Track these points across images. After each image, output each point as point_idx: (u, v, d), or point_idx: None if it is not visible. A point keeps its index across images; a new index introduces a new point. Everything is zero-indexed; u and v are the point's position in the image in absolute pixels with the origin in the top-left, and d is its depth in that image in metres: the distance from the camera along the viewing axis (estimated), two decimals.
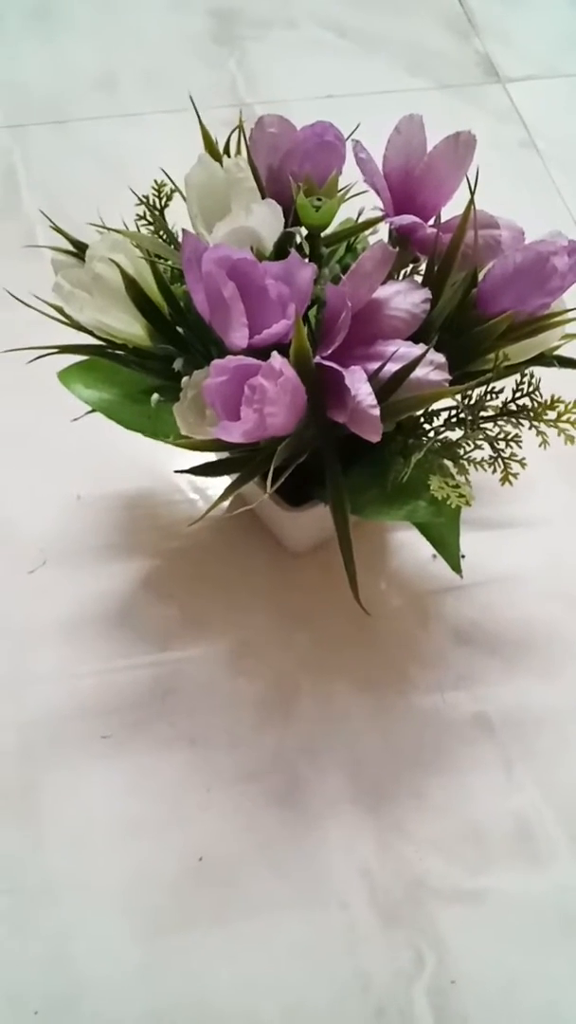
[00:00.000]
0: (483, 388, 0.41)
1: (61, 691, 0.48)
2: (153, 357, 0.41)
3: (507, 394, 0.42)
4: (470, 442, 0.41)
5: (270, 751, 0.47)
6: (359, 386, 0.35)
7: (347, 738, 0.48)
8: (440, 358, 0.37)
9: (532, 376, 0.42)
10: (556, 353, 0.42)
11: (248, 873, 0.44)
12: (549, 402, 0.41)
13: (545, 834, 0.46)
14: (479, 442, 0.41)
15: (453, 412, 0.42)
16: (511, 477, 0.41)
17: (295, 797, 0.46)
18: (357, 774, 0.47)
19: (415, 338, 0.38)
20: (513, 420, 0.41)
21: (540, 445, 0.41)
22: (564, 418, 0.40)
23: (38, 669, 0.49)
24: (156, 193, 0.45)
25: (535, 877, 0.45)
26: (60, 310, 0.40)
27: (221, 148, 0.42)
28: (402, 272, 0.43)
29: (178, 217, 0.43)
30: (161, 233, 0.45)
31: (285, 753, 0.47)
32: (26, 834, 0.45)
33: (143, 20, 0.79)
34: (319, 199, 0.40)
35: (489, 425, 0.42)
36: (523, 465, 0.41)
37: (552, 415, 0.40)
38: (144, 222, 0.45)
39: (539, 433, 0.41)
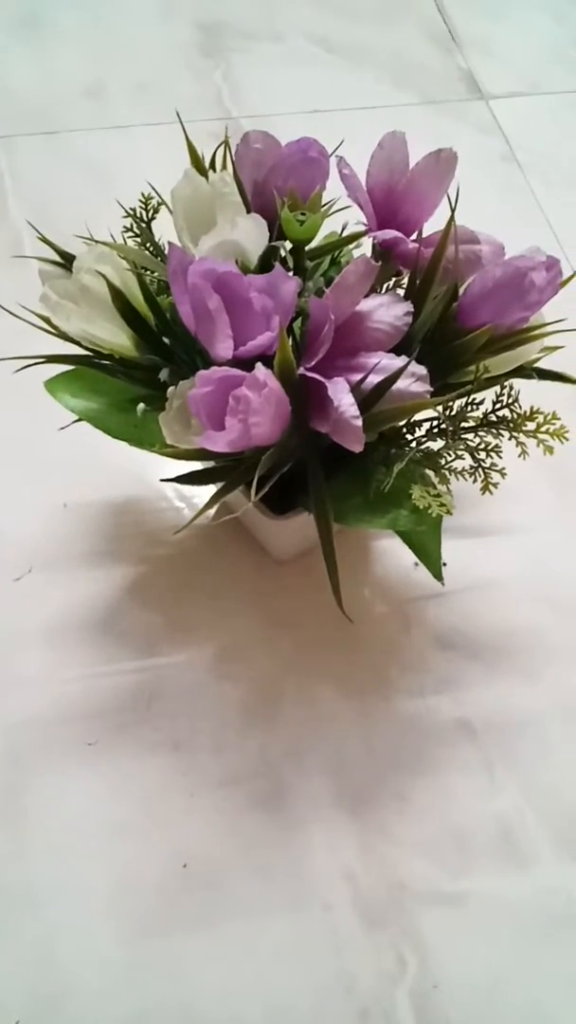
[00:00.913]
0: (464, 399, 0.42)
1: (46, 696, 0.49)
2: (139, 367, 0.41)
3: (487, 405, 0.43)
4: (451, 452, 0.42)
5: (254, 755, 0.48)
6: (342, 397, 0.36)
7: (331, 742, 0.49)
8: (421, 370, 0.38)
9: (511, 388, 0.43)
10: (535, 365, 0.43)
11: (232, 876, 0.45)
12: (528, 413, 0.41)
13: (527, 836, 0.47)
14: (460, 452, 0.42)
15: (434, 423, 0.43)
16: (491, 486, 0.42)
17: (279, 801, 0.47)
18: (340, 778, 0.48)
19: (397, 350, 0.39)
20: (493, 431, 0.42)
21: (520, 455, 0.42)
22: (543, 429, 0.41)
23: (23, 674, 0.49)
24: (143, 206, 0.45)
25: (517, 879, 0.46)
26: (47, 320, 0.41)
27: (207, 161, 0.43)
28: (385, 285, 0.44)
29: (164, 229, 0.44)
30: (148, 245, 0.45)
31: (269, 757, 0.48)
32: (10, 839, 0.45)
33: (131, 31, 0.80)
34: (303, 213, 0.40)
35: (470, 436, 0.42)
36: (503, 475, 0.42)
37: (531, 426, 0.41)
38: (131, 234, 0.46)
39: (518, 444, 0.42)
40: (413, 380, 0.38)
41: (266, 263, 0.40)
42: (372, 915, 0.44)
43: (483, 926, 0.45)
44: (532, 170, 0.73)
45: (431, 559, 0.45)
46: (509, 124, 0.76)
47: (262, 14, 0.82)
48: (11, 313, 0.42)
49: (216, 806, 0.46)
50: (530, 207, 0.71)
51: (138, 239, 0.45)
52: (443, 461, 0.42)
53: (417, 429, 0.43)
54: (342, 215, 0.43)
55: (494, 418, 0.42)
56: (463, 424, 0.42)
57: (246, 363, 0.36)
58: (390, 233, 0.41)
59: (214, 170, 0.43)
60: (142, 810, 0.46)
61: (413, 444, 0.43)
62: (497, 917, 0.45)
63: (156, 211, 0.45)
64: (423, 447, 0.42)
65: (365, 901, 0.45)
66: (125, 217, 0.46)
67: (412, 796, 0.47)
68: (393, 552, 0.54)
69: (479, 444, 0.42)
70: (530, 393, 0.43)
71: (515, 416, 0.42)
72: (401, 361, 0.38)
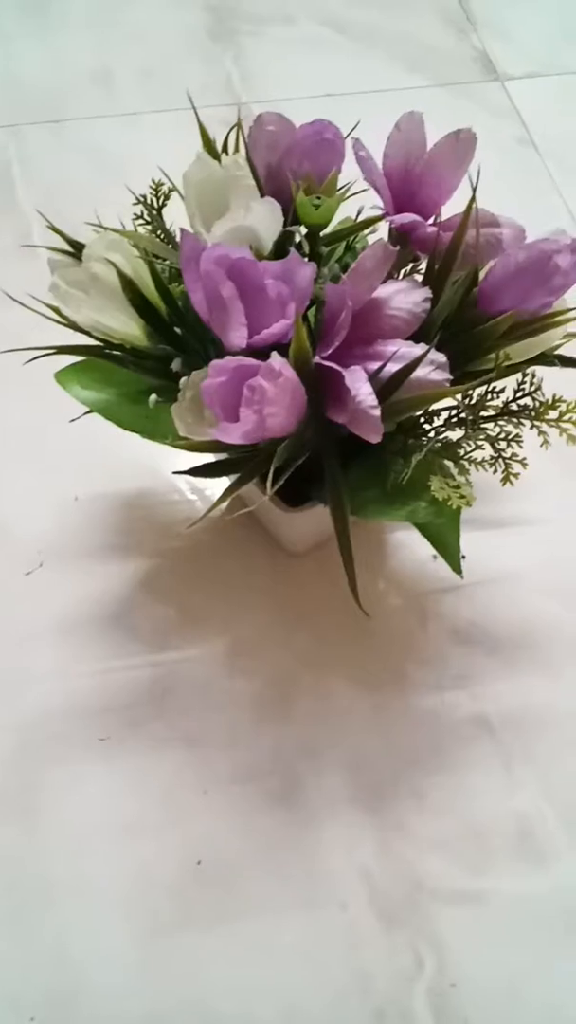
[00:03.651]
0: (484, 388, 0.41)
1: (59, 692, 0.48)
2: (151, 357, 0.41)
3: (508, 394, 0.42)
4: (471, 442, 0.41)
5: (268, 751, 0.47)
6: (359, 386, 0.35)
7: (346, 738, 0.48)
8: (441, 358, 0.37)
9: (533, 376, 0.42)
10: (558, 352, 0.42)
11: (246, 874, 0.44)
12: (551, 402, 0.41)
13: (546, 834, 0.46)
14: (480, 442, 0.41)
15: (454, 412, 0.42)
16: (512, 477, 0.41)
17: (294, 797, 0.46)
18: (356, 774, 0.47)
19: (415, 338, 0.38)
20: (514, 420, 0.41)
21: (541, 445, 0.41)
22: (565, 418, 0.40)
23: (36, 670, 0.49)
24: (154, 192, 0.44)
25: (536, 877, 0.45)
26: (57, 310, 0.40)
27: (219, 146, 0.42)
28: (402, 271, 0.43)
29: (176, 216, 0.43)
30: (159, 232, 0.44)
31: (283, 753, 0.47)
32: (24, 835, 0.45)
33: (139, 16, 0.78)
34: (318, 197, 0.39)
35: (490, 425, 0.41)
36: (524, 465, 0.41)
37: (553, 415, 0.40)
38: (142, 221, 0.45)
39: (540, 433, 0.41)
40: (432, 368, 0.37)
41: (281, 249, 0.39)
42: (389, 913, 0.44)
43: (502, 924, 0.44)
44: (549, 153, 0.72)
45: (450, 552, 0.44)
46: (526, 106, 0.75)
47: None
48: (20, 303, 0.41)
49: (230, 803, 0.46)
50: (547, 190, 0.70)
51: (149, 226, 0.45)
52: (462, 451, 0.41)
53: (436, 418, 0.43)
54: (357, 199, 0.42)
55: (515, 407, 0.41)
56: (483, 413, 0.41)
57: (261, 352, 0.35)
58: (408, 217, 0.40)
59: (227, 153, 0.42)
60: (156, 807, 0.46)
61: (432, 434, 0.42)
62: (516, 915, 0.44)
63: (167, 197, 0.45)
64: (442, 437, 0.41)
65: (382, 899, 0.44)
66: (135, 204, 0.45)
67: (429, 793, 0.47)
68: (410, 544, 0.53)
69: (499, 434, 0.41)
70: (552, 380, 0.42)
71: (537, 404, 0.41)
72: (420, 349, 0.37)
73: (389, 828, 0.46)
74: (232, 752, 0.47)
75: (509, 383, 0.42)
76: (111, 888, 0.44)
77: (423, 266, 0.42)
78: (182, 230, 0.37)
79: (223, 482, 0.42)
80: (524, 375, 0.42)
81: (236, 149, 0.42)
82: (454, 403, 0.42)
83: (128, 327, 0.40)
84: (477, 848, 0.46)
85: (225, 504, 0.39)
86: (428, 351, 0.36)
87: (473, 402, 0.41)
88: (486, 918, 0.44)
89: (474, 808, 0.46)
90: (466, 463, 0.40)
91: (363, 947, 0.43)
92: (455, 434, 0.42)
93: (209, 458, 0.41)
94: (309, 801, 0.46)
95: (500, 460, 0.41)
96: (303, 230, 0.41)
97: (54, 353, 0.42)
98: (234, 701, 0.49)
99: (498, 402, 0.42)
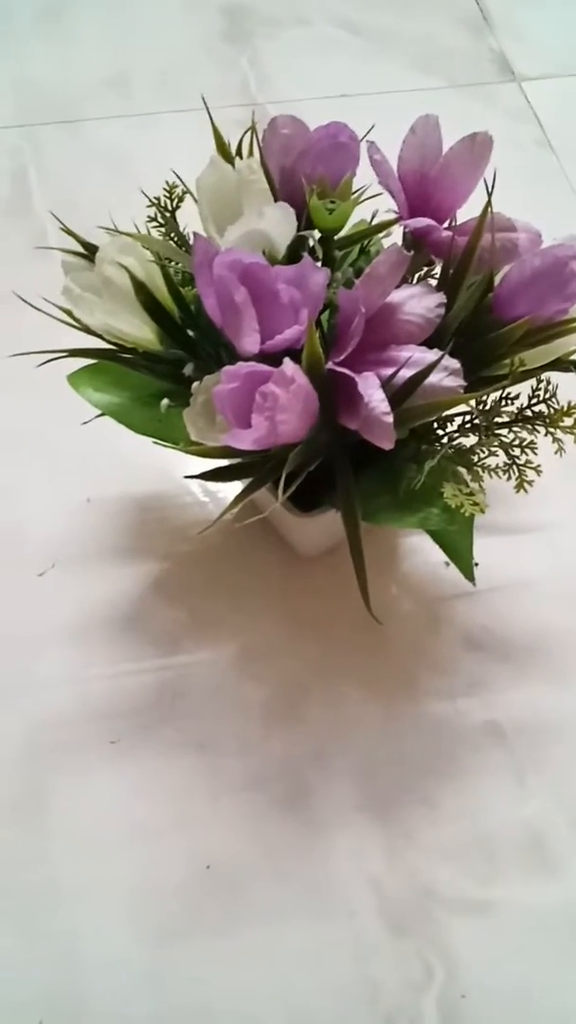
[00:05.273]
0: (498, 394, 0.41)
1: (69, 695, 0.48)
2: (163, 361, 0.41)
3: (523, 400, 0.41)
4: (484, 449, 0.40)
5: (278, 757, 0.47)
6: (372, 392, 0.35)
7: (356, 745, 0.48)
8: (455, 364, 0.37)
9: (548, 382, 0.41)
10: (573, 358, 0.42)
11: (255, 880, 0.44)
12: (566, 408, 0.40)
13: (557, 843, 0.46)
14: (494, 449, 0.41)
15: (467, 418, 0.42)
16: (526, 484, 0.40)
17: (303, 804, 0.46)
18: (366, 781, 0.47)
19: (429, 343, 0.38)
20: (529, 426, 0.41)
21: (556, 452, 0.40)
22: None
23: (46, 672, 0.49)
24: (167, 195, 0.44)
25: (547, 887, 0.45)
26: (70, 313, 0.40)
27: (233, 148, 0.42)
28: (416, 276, 0.43)
29: (189, 219, 0.43)
30: (172, 236, 0.44)
31: (293, 760, 0.47)
32: (33, 838, 0.45)
33: (154, 18, 0.78)
34: (332, 201, 0.39)
35: (504, 431, 0.41)
36: (538, 472, 0.41)
37: (568, 421, 0.40)
38: (155, 224, 0.45)
39: (555, 440, 0.40)
40: (446, 374, 0.37)
41: (294, 253, 0.39)
42: (398, 922, 0.44)
43: (512, 935, 0.44)
44: (567, 155, 0.71)
45: (462, 559, 0.44)
46: (543, 108, 0.74)
47: None
48: (33, 306, 0.41)
49: (240, 809, 0.46)
50: (565, 193, 0.69)
51: (162, 229, 0.45)
52: (476, 458, 0.40)
53: (449, 425, 0.42)
54: (372, 203, 0.42)
55: (530, 413, 0.41)
56: (497, 419, 0.41)
57: (273, 358, 0.35)
58: (422, 221, 0.39)
59: (241, 157, 0.41)
60: (165, 811, 0.46)
61: (445, 440, 0.41)
62: (527, 925, 0.44)
63: (181, 200, 0.44)
64: (455, 443, 0.41)
65: (391, 908, 0.44)
66: (149, 207, 0.45)
67: (440, 801, 0.46)
68: (422, 549, 0.53)
69: (514, 440, 0.41)
70: (567, 387, 0.42)
71: (552, 411, 0.40)
72: (434, 355, 0.37)
73: (399, 836, 0.45)
74: (242, 758, 0.47)
75: (524, 389, 0.41)
76: (119, 892, 0.44)
77: (437, 271, 0.42)
78: (195, 234, 0.37)
79: (235, 484, 0.42)
80: (539, 381, 0.41)
81: (250, 152, 0.42)
82: (468, 409, 0.41)
83: (141, 331, 0.40)
84: (487, 857, 0.45)
85: (237, 509, 0.39)
86: (442, 357, 0.36)
87: (487, 408, 0.41)
88: (496, 928, 0.44)
89: (485, 817, 0.46)
90: (480, 470, 0.40)
91: (372, 956, 0.43)
92: (469, 440, 0.41)
93: (221, 462, 0.41)
94: (319, 808, 0.46)
95: (514, 467, 0.40)
96: (317, 234, 0.40)
97: (67, 356, 0.42)
98: (245, 706, 0.48)
99: (512, 408, 0.41)
